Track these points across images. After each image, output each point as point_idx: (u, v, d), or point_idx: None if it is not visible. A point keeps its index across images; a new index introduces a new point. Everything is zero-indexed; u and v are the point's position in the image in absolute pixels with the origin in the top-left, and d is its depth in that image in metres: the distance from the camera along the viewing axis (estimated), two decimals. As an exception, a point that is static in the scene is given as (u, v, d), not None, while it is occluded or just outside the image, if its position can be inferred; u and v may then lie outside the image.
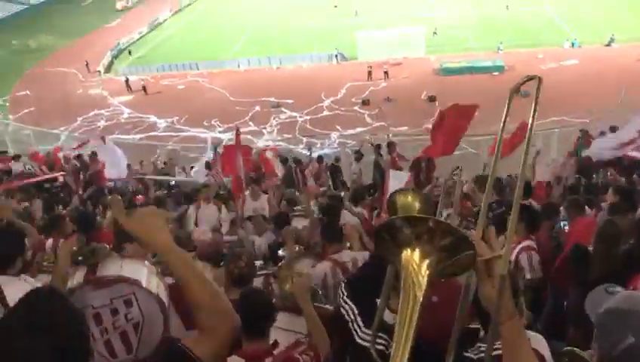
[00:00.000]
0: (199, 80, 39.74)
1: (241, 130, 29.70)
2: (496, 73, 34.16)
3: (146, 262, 2.03)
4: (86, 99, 38.23)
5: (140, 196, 12.13)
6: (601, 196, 7.93)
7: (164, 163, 18.77)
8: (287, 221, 6.26)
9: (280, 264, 5.53)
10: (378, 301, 1.98)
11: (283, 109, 32.67)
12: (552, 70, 33.71)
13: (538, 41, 38.62)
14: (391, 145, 13.33)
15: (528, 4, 46.34)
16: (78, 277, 1.81)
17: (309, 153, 17.88)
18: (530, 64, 34.69)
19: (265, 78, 38.62)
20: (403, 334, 1.29)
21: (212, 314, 1.79)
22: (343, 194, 11.05)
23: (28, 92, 39.05)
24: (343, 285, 2.73)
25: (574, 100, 26.68)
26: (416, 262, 1.35)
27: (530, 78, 1.72)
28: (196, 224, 8.47)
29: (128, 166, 15.42)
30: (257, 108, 32.83)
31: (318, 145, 25.86)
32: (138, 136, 29.87)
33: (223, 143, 22.17)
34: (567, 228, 6.46)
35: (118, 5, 63.64)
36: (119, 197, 9.54)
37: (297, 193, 11.04)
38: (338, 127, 29.02)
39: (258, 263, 5.47)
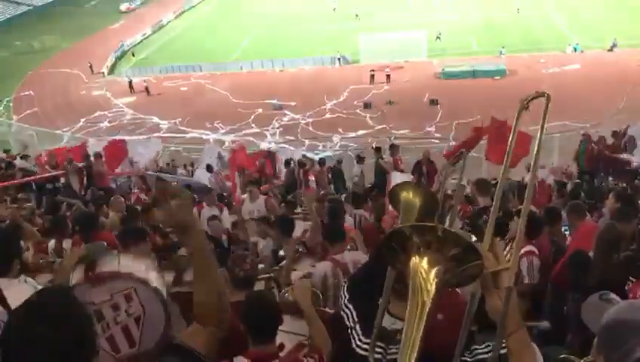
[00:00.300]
0: (202, 82, 39.84)
1: (244, 131, 29.94)
2: (497, 77, 34.18)
3: (146, 258, 2.08)
4: (89, 100, 38.35)
5: (140, 194, 12.17)
6: (603, 201, 7.94)
7: (167, 164, 18.80)
8: (292, 225, 6.26)
9: (280, 265, 5.57)
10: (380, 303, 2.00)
11: (285, 112, 32.74)
12: (554, 75, 33.74)
13: (540, 45, 38.64)
14: (393, 148, 13.35)
15: (531, 9, 46.34)
16: (77, 276, 1.83)
17: (310, 156, 17.89)
18: (533, 68, 34.73)
19: (268, 80, 38.69)
20: (410, 341, 1.29)
21: (212, 305, 1.89)
22: (344, 196, 11.08)
23: (31, 93, 39.19)
24: (344, 287, 2.75)
25: (576, 105, 26.67)
26: (425, 269, 1.35)
27: (540, 95, 1.74)
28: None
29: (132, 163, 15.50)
30: (260, 110, 32.90)
31: (320, 148, 25.89)
32: (141, 137, 29.90)
33: (224, 146, 22.20)
34: (567, 233, 6.48)
35: (122, 7, 63.77)
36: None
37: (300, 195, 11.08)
38: (340, 130, 29.07)
39: (260, 266, 5.49)
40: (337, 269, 4.70)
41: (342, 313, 2.57)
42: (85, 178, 13.34)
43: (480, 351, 1.96)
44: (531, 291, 5.00)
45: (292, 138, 28.89)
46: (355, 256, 4.90)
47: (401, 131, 27.31)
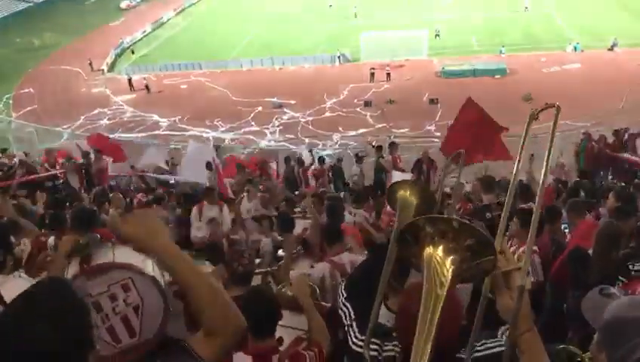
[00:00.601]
0: (202, 79, 39.82)
1: (244, 130, 29.93)
2: (498, 76, 34.17)
3: None
4: (89, 98, 38.35)
5: (141, 194, 12.16)
6: (604, 200, 7.94)
7: (166, 162, 18.79)
8: (292, 223, 6.26)
9: (279, 264, 5.57)
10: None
11: (285, 110, 32.74)
12: (555, 74, 33.75)
13: (541, 44, 38.63)
14: (392, 146, 13.37)
15: (532, 8, 46.31)
16: (72, 269, 1.83)
17: (310, 154, 17.87)
18: (533, 67, 34.73)
19: (268, 78, 38.67)
20: (424, 333, 1.30)
21: (217, 316, 1.80)
22: (342, 195, 11.09)
23: (31, 90, 39.16)
24: (342, 286, 2.75)
25: (576, 104, 26.64)
26: (440, 257, 1.35)
27: (551, 106, 1.78)
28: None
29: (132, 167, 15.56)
30: (260, 108, 32.89)
31: (320, 146, 25.89)
32: (141, 135, 29.94)
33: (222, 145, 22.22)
34: (567, 230, 6.48)
35: (122, 4, 63.71)
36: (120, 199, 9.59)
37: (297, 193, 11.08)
38: (340, 128, 29.07)
39: (257, 261, 5.50)
40: (335, 271, 4.71)
41: (339, 311, 2.58)
42: (85, 176, 13.35)
43: (477, 348, 1.96)
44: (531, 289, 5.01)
45: (292, 136, 28.88)
46: (353, 257, 4.90)
47: (402, 130, 27.31)
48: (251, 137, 29.06)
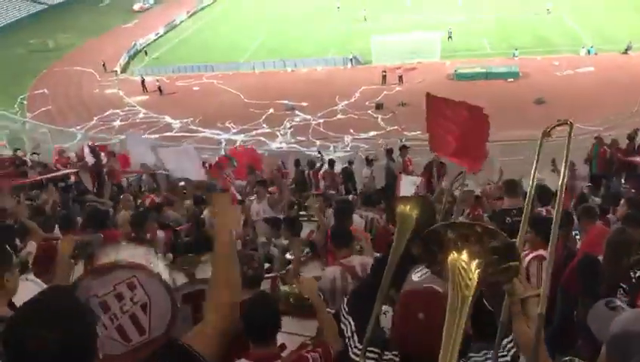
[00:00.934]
0: (214, 82, 40.02)
1: (256, 132, 30.02)
2: (511, 79, 33.98)
3: (145, 246, 2.09)
4: (102, 99, 38.67)
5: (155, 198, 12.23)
6: (616, 205, 7.85)
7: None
8: (299, 226, 6.25)
9: (288, 268, 5.58)
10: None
11: (297, 112, 32.80)
12: (568, 77, 33.50)
13: (554, 47, 38.37)
14: (403, 149, 13.34)
15: (545, 10, 46.03)
16: (78, 270, 1.84)
17: (320, 156, 17.87)
18: (546, 71, 34.50)
19: (279, 80, 38.78)
20: (452, 339, 1.29)
21: (228, 289, 2.07)
22: (351, 197, 11.07)
23: (45, 91, 39.56)
24: (345, 300, 2.77)
25: (589, 108, 26.47)
26: (464, 261, 1.35)
27: (564, 123, 1.78)
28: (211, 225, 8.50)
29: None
30: (271, 110, 32.97)
31: (331, 149, 25.90)
32: (153, 136, 30.12)
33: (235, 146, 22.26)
34: (578, 237, 6.42)
35: (136, 6, 64.23)
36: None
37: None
38: (351, 131, 29.07)
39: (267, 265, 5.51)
40: (346, 273, 4.71)
41: (341, 325, 2.60)
42: (96, 176, 13.46)
43: (477, 359, 1.95)
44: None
45: (303, 138, 28.91)
46: (363, 259, 4.89)
47: (413, 133, 27.23)
48: (262, 139, 29.14)
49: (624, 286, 4.06)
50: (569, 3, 47.00)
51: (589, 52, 36.73)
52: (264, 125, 31.30)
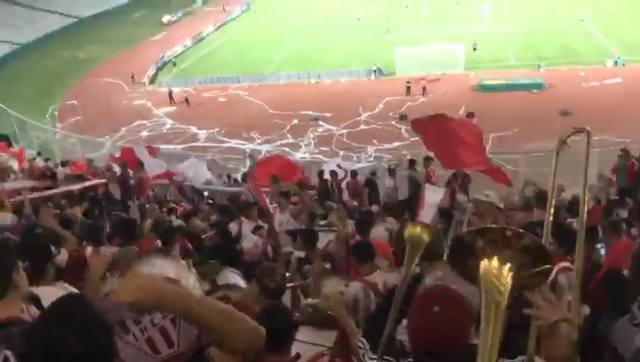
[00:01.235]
0: (240, 93, 40.49)
1: (279, 142, 30.23)
2: (535, 91, 33.65)
3: (181, 261, 2.08)
4: (130, 110, 39.42)
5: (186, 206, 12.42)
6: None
7: (219, 175, 18.96)
8: (316, 237, 6.16)
9: (307, 279, 5.57)
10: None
11: (321, 123, 32.98)
12: (594, 88, 33.06)
13: (580, 58, 37.93)
14: (426, 160, 13.30)
15: (570, 21, 45.55)
16: (111, 283, 1.91)
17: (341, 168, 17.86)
18: (572, 82, 34.10)
19: (304, 92, 39.10)
20: (488, 345, 1.30)
21: (233, 336, 1.76)
22: (374, 208, 11.02)
23: (75, 102, 40.41)
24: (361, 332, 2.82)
25: (616, 119, 26.05)
26: (496, 268, 1.36)
27: (580, 131, 1.81)
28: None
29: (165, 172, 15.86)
30: (296, 121, 33.23)
31: (355, 159, 25.92)
32: (180, 147, 30.54)
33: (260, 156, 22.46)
34: (603, 250, 6.37)
35: (164, 19, 65.33)
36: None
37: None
38: (375, 141, 29.08)
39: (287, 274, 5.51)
40: (368, 290, 4.71)
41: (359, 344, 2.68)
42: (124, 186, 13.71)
43: None
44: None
45: (326, 149, 29.01)
46: (386, 276, 4.84)
47: (437, 144, 27.08)
48: (287, 149, 29.32)
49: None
50: (596, 14, 46.41)
51: (616, 63, 36.21)
52: (288, 135, 31.55)
